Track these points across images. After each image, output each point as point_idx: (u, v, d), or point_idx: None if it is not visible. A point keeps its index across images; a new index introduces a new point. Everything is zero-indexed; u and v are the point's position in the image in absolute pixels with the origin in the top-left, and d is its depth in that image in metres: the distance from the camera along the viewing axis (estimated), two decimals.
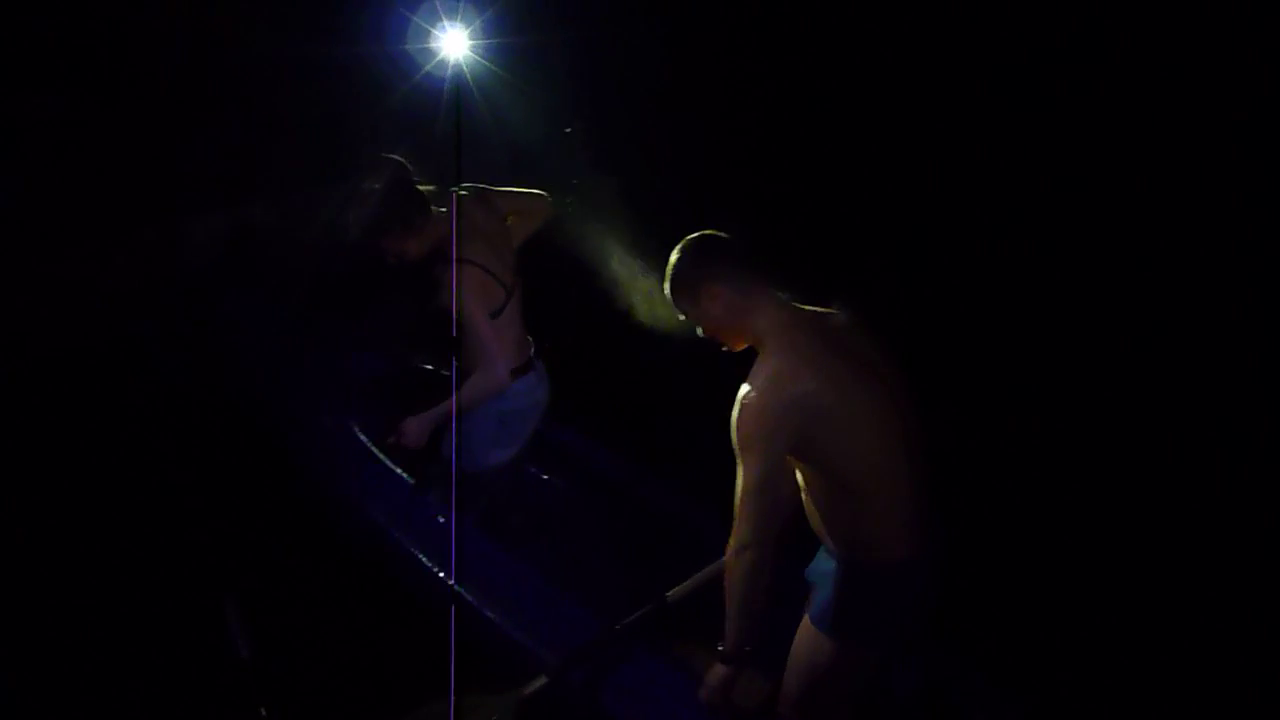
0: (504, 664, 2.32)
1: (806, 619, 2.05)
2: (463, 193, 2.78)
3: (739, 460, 1.86)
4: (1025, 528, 3.12)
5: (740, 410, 1.86)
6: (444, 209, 2.74)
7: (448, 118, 3.94)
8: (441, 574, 2.52)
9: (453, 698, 2.05)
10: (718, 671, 1.98)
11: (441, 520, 2.67)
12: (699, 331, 2.06)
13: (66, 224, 4.06)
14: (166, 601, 2.78)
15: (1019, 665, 2.47)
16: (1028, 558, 3.00)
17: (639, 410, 3.73)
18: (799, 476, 2.02)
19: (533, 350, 2.91)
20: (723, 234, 2.05)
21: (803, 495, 2.04)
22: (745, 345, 2.02)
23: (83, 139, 4.20)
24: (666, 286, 2.05)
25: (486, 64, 4.21)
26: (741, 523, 1.86)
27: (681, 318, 2.07)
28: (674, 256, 2.04)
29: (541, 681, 2.12)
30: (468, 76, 3.99)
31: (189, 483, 3.28)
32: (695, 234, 2.05)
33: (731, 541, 1.88)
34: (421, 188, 2.72)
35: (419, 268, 2.78)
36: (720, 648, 1.96)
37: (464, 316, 2.64)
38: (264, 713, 2.35)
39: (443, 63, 3.90)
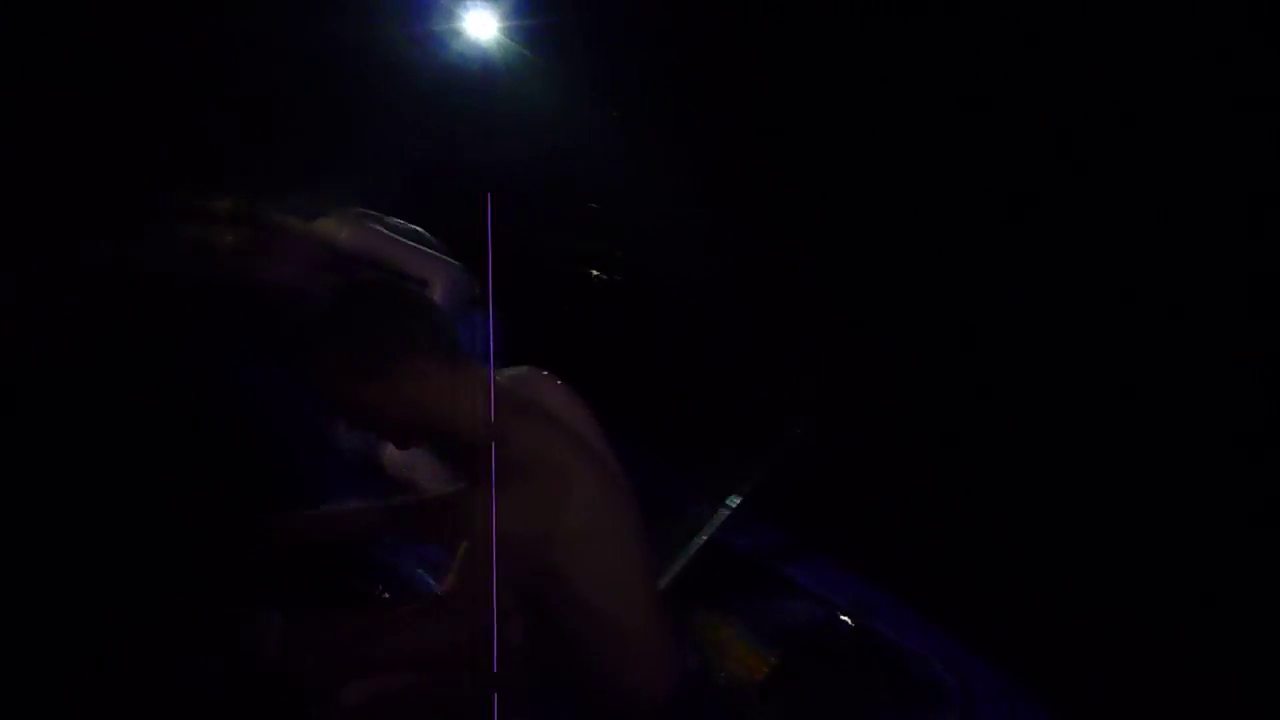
0: None
1: None
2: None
3: None
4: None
5: None
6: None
7: (474, 106, 3.72)
8: None
9: None
10: None
11: None
12: (343, 429, 1.66)
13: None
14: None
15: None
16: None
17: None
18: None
19: None
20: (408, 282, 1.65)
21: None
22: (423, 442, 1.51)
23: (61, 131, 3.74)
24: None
25: (517, 46, 4.00)
26: None
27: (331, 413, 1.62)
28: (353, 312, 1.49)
29: None
30: (497, 61, 3.87)
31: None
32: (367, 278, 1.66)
33: None
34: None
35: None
36: None
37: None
38: None
39: (469, 44, 3.78)
